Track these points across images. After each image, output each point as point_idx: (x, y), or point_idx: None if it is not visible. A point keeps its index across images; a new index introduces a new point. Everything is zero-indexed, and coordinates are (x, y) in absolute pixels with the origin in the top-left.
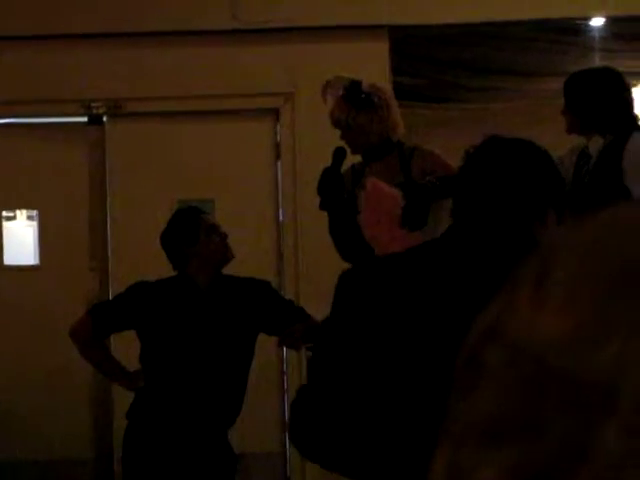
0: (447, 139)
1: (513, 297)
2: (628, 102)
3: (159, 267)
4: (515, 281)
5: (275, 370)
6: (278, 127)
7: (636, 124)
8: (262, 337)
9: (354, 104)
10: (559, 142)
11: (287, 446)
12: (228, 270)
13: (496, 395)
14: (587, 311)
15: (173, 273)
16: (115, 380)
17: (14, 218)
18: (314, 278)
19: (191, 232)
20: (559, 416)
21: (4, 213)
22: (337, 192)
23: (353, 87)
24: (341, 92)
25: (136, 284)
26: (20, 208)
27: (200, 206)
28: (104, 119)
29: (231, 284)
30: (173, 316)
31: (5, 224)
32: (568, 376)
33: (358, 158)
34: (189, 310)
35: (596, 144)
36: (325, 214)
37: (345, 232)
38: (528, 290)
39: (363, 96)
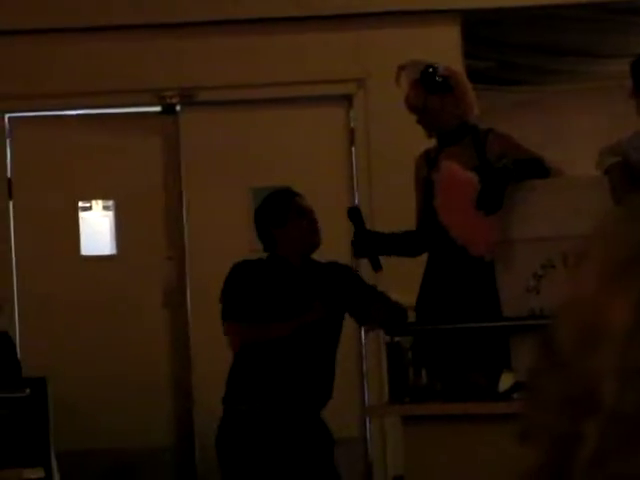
0: (520, 122)
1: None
2: None
3: (235, 255)
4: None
5: (354, 355)
6: (352, 113)
7: None
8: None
9: (430, 88)
10: (633, 125)
11: (368, 431)
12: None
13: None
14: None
15: (250, 259)
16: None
17: (90, 209)
18: (390, 263)
19: (280, 214)
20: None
21: (80, 204)
22: (375, 250)
23: (429, 71)
24: (417, 76)
25: (236, 265)
26: (96, 198)
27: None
28: (177, 108)
29: (318, 266)
30: (270, 295)
31: (81, 214)
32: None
33: (433, 142)
34: (283, 287)
35: None
36: (401, 198)
37: (409, 253)
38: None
39: (439, 79)
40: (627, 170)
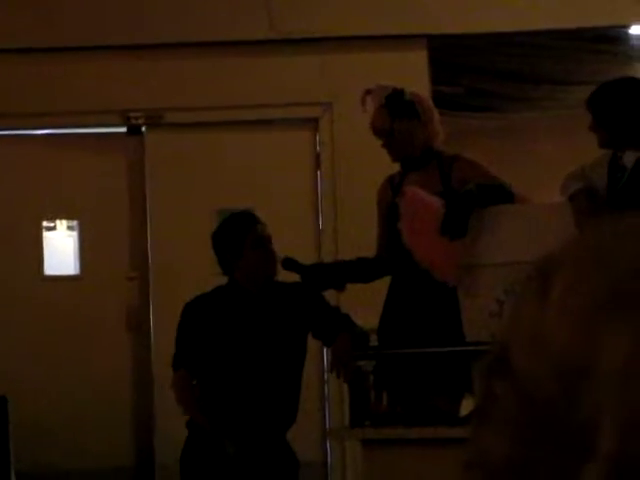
0: (486, 148)
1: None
2: None
3: (199, 276)
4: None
5: (316, 378)
6: (318, 136)
7: None
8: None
9: (396, 112)
10: (597, 151)
11: (329, 454)
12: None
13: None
14: (578, 328)
15: (213, 283)
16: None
17: (54, 228)
18: (353, 286)
19: (237, 244)
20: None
21: (44, 223)
22: (327, 280)
23: (395, 95)
24: (383, 100)
25: (187, 305)
26: (60, 218)
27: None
28: (143, 129)
29: (277, 288)
30: (226, 322)
31: (45, 234)
32: (555, 413)
33: (397, 168)
34: (243, 315)
35: (631, 157)
36: (365, 222)
37: (361, 279)
38: (533, 305)
39: (405, 104)
40: (591, 196)
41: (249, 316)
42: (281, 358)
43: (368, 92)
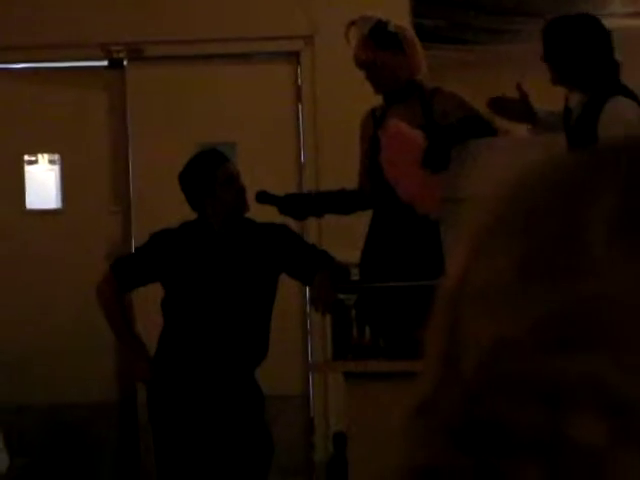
0: (468, 80)
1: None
2: (608, 53)
3: (181, 210)
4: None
5: (298, 312)
6: (299, 70)
7: (617, 80)
8: (285, 279)
9: (380, 43)
10: None
11: (311, 388)
12: (252, 212)
13: None
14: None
15: (194, 215)
16: (129, 353)
17: (36, 162)
18: (335, 221)
19: (207, 183)
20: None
21: (26, 157)
22: (304, 209)
23: (379, 26)
24: (367, 31)
25: (157, 233)
26: (41, 152)
27: (222, 149)
28: (124, 63)
29: (249, 228)
30: (192, 260)
31: (27, 168)
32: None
33: (379, 100)
34: (207, 253)
35: (576, 99)
36: (347, 155)
37: (350, 208)
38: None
39: (389, 36)
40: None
41: (215, 253)
42: (248, 296)
43: (352, 23)
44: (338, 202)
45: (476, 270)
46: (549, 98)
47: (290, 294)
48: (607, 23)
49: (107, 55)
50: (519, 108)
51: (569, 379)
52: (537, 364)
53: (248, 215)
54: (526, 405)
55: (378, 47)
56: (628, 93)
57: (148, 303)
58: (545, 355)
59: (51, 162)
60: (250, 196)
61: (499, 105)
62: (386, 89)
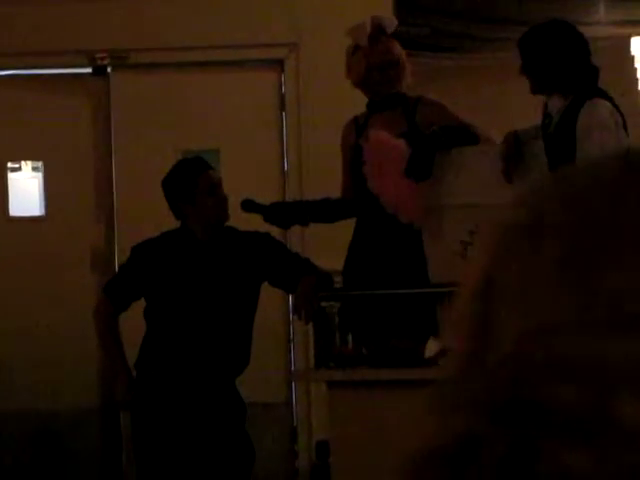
0: (453, 89)
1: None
2: (586, 57)
3: (164, 218)
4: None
5: (281, 320)
6: (283, 78)
7: (595, 84)
8: (268, 288)
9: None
10: None
11: (294, 396)
12: (234, 219)
13: None
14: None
15: (178, 223)
16: (114, 375)
17: (19, 169)
18: (318, 229)
19: (188, 191)
20: None
21: (9, 164)
22: (289, 217)
23: (397, 28)
24: (391, 31)
25: (138, 246)
26: (25, 159)
27: (205, 157)
28: (108, 70)
29: (231, 236)
30: (174, 268)
31: (10, 175)
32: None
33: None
34: (189, 262)
35: (556, 104)
36: (331, 163)
37: (334, 217)
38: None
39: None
40: (516, 140)
41: (198, 262)
42: (229, 305)
43: (375, 18)
44: (322, 211)
45: (508, 268)
46: (535, 106)
47: (273, 302)
48: (592, 31)
49: (91, 62)
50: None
51: (615, 360)
52: (583, 347)
53: (230, 223)
54: (571, 386)
55: (399, 43)
56: (605, 96)
57: (130, 310)
58: (591, 338)
59: (34, 169)
60: (233, 203)
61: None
62: (397, 90)
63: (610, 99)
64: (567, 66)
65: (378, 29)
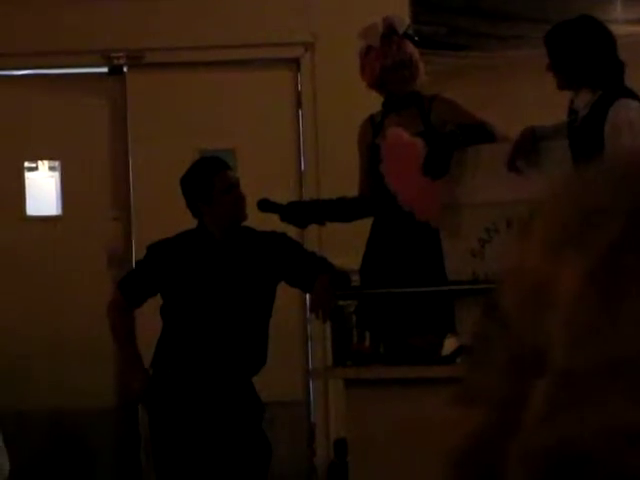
0: (466, 87)
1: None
2: (613, 52)
3: (181, 217)
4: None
5: (298, 319)
6: (299, 77)
7: (622, 79)
8: (285, 287)
9: (414, 41)
10: None
11: (311, 394)
12: (251, 219)
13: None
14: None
15: (194, 222)
16: (126, 372)
17: (36, 169)
18: (335, 228)
19: (206, 190)
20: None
21: (26, 164)
22: (306, 216)
23: (410, 27)
24: (403, 31)
25: (153, 245)
26: (42, 159)
27: (221, 156)
28: (125, 70)
29: (248, 236)
30: (191, 268)
31: (27, 175)
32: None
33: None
34: (206, 261)
35: (584, 99)
36: (347, 161)
37: (351, 216)
38: (518, 240)
39: (416, 38)
40: (533, 136)
41: (215, 261)
42: (246, 305)
43: (387, 20)
44: (339, 210)
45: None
46: (550, 105)
47: (290, 300)
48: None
49: (107, 62)
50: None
51: None
52: None
53: (247, 223)
54: None
55: (413, 44)
56: (634, 95)
57: (145, 308)
58: None
59: (51, 169)
60: (250, 203)
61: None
62: (412, 89)
63: (636, 96)
64: (596, 61)
65: (390, 29)
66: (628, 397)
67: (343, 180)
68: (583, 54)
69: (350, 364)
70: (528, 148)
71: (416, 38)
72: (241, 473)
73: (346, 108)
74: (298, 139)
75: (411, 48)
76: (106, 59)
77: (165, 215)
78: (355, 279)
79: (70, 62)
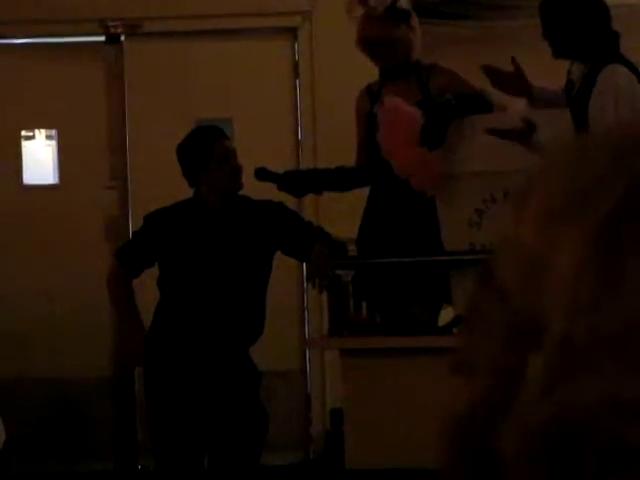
0: (465, 57)
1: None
2: (606, 23)
3: (178, 185)
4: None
5: (295, 289)
6: (296, 46)
7: (616, 50)
8: (282, 256)
9: (396, 18)
10: None
11: (308, 363)
12: (248, 189)
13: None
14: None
15: (191, 191)
16: (125, 338)
17: (33, 137)
18: (332, 197)
19: (202, 159)
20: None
21: (23, 133)
22: (303, 185)
23: (393, 3)
24: (382, 9)
25: (150, 214)
26: (39, 128)
27: (220, 126)
28: (122, 38)
29: (245, 205)
30: (188, 237)
31: (24, 143)
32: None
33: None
34: (202, 230)
35: (577, 70)
36: (344, 131)
37: (348, 185)
38: (512, 211)
39: (402, 12)
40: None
41: (211, 230)
42: (242, 274)
43: (357, 1)
44: (336, 179)
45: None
46: (548, 75)
47: (288, 270)
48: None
49: (105, 31)
50: (515, 82)
51: None
52: None
53: (244, 192)
54: None
55: (395, 22)
56: (625, 62)
57: (142, 278)
58: None
59: (48, 137)
60: (247, 172)
61: (494, 75)
62: (395, 63)
63: (629, 64)
64: (587, 32)
65: (367, 8)
66: (629, 367)
67: (340, 149)
68: (574, 24)
69: (347, 334)
70: (525, 141)
71: (409, 11)
72: (238, 442)
73: (344, 77)
74: (295, 109)
75: (388, 27)
76: (103, 28)
77: (162, 184)
78: (352, 248)
79: (67, 31)
